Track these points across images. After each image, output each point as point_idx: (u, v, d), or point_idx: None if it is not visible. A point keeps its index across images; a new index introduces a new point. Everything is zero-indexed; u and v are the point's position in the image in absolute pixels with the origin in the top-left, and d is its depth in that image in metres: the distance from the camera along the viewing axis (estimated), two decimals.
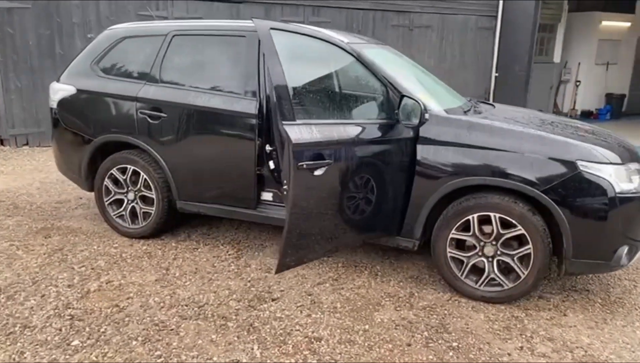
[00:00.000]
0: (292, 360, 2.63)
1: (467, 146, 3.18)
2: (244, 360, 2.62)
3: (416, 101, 3.12)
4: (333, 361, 2.64)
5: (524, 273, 3.15)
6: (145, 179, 3.99)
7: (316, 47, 3.43)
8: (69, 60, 4.45)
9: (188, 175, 3.89)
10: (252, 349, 2.72)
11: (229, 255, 3.92)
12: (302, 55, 3.50)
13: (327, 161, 2.97)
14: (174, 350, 2.69)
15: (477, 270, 3.29)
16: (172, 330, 2.88)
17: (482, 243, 3.21)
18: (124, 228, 4.19)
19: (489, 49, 10.79)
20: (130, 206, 4.13)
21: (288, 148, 2.87)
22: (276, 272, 3.15)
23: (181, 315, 3.03)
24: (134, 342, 2.74)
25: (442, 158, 3.21)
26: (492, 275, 3.23)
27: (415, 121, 3.17)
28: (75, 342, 2.73)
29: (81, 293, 3.25)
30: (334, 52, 3.40)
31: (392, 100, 3.27)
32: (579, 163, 2.99)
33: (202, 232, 4.35)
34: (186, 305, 3.14)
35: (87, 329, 2.85)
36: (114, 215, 4.21)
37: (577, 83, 12.57)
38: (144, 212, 4.09)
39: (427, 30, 10.10)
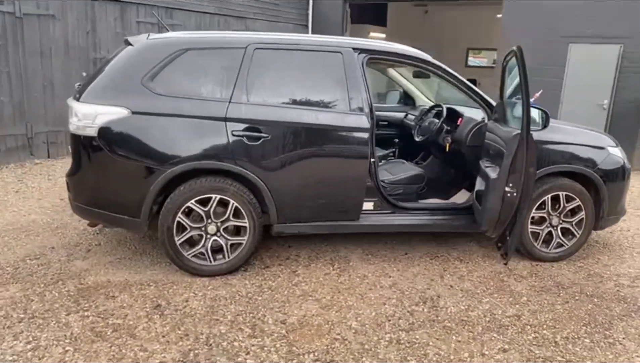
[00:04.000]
0: None
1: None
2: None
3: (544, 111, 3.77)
4: None
5: (579, 234, 4.21)
6: (237, 207, 3.59)
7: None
8: None
9: (292, 196, 3.68)
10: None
11: (338, 268, 3.88)
12: None
13: None
14: None
15: (545, 238, 4.20)
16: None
17: (550, 217, 4.14)
18: (204, 267, 3.63)
19: None
20: (211, 241, 3.63)
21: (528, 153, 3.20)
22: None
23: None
24: None
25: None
26: (558, 240, 4.20)
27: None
28: None
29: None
30: None
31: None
32: (608, 148, 4.20)
33: (271, 255, 4.09)
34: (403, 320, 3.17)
35: None
36: (189, 255, 3.61)
37: None
38: (231, 244, 3.66)
39: None
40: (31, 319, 3.05)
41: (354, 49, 3.76)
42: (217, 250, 3.67)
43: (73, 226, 4.62)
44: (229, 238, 3.64)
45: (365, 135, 3.68)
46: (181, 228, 3.56)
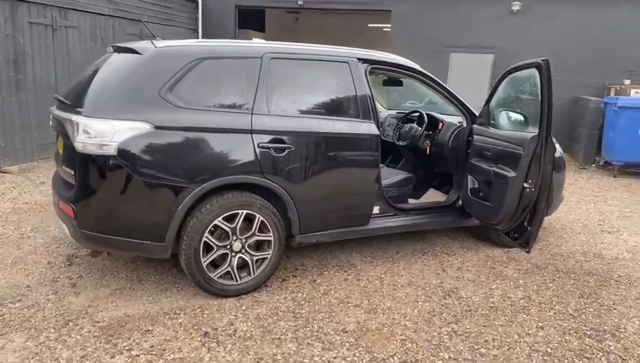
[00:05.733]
0: None
1: None
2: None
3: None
4: None
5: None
6: (262, 221, 3.48)
7: None
8: None
9: (313, 205, 3.66)
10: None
11: (350, 273, 3.94)
12: None
13: None
14: None
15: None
16: None
17: None
18: (231, 287, 3.46)
19: None
20: (236, 259, 3.47)
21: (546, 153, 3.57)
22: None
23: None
24: None
25: None
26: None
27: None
28: None
29: None
30: None
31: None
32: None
33: (279, 268, 3.99)
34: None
35: None
36: (216, 276, 3.41)
37: None
38: (256, 260, 3.54)
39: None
40: None
41: (358, 59, 3.87)
42: (239, 267, 3.52)
43: (32, 259, 4.02)
44: (253, 254, 3.52)
45: (376, 141, 3.83)
46: (207, 248, 3.36)
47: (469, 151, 4.37)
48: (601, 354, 3.03)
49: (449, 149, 4.46)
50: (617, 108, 8.06)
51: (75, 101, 3.29)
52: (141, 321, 3.16)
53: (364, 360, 2.85)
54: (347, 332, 3.14)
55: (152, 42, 3.40)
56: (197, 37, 11.49)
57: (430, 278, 3.97)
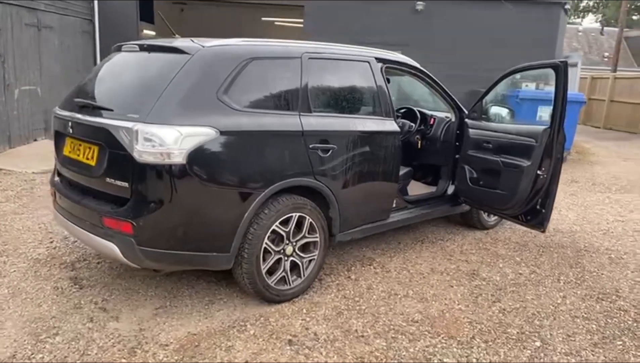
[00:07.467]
0: None
1: None
2: None
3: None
4: None
5: None
6: (311, 223, 3.46)
7: None
8: None
9: (352, 203, 3.70)
10: None
11: (375, 266, 4.05)
12: None
13: None
14: None
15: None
16: None
17: None
18: (286, 291, 3.39)
19: (91, 53, 10.60)
20: (289, 262, 3.41)
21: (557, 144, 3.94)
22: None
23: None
24: None
25: None
26: None
27: None
28: None
29: None
30: None
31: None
32: None
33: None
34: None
35: None
36: (273, 282, 3.31)
37: None
38: (307, 261, 3.51)
39: (50, 31, 8.94)
40: None
41: (375, 58, 3.99)
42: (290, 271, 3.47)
43: (30, 287, 3.53)
44: (303, 256, 3.49)
45: (398, 138, 3.99)
46: (267, 255, 3.27)
47: (457, 143, 4.73)
48: (622, 312, 3.55)
49: (442, 142, 4.78)
50: (518, 100, 9.13)
51: (118, 106, 2.96)
52: (212, 338, 2.98)
53: (453, 345, 3.02)
54: (417, 321, 3.28)
55: (193, 41, 3.18)
56: (94, 28, 10.57)
57: (445, 264, 4.25)
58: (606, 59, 28.58)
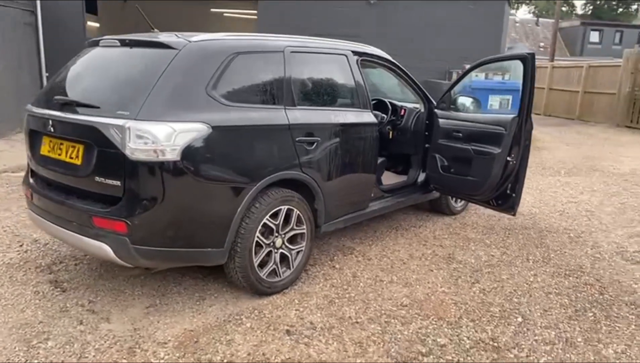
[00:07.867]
0: None
1: None
2: None
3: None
4: None
5: None
6: (299, 215, 3.51)
7: None
8: None
9: (335, 194, 3.77)
10: None
11: (356, 256, 4.15)
12: None
13: None
14: None
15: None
16: None
17: None
18: (277, 283, 3.44)
19: (34, 47, 10.11)
20: (279, 254, 3.45)
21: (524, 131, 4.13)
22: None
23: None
24: None
25: None
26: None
27: None
28: None
29: None
30: None
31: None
32: None
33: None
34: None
35: None
36: (265, 275, 3.35)
37: None
38: (295, 253, 3.56)
39: None
40: None
41: (352, 51, 4.07)
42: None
43: (8, 293, 3.40)
44: (292, 247, 3.55)
45: (375, 129, 4.10)
46: (259, 248, 3.31)
47: (427, 133, 4.90)
48: (589, 286, 3.82)
49: (412, 132, 4.93)
50: (470, 89, 9.48)
51: (104, 103, 2.90)
52: (210, 333, 2.99)
53: (443, 326, 3.17)
54: (406, 305, 3.41)
55: (178, 36, 3.14)
56: (37, 20, 10.05)
57: (422, 249, 4.42)
58: (542, 49, 30.00)
